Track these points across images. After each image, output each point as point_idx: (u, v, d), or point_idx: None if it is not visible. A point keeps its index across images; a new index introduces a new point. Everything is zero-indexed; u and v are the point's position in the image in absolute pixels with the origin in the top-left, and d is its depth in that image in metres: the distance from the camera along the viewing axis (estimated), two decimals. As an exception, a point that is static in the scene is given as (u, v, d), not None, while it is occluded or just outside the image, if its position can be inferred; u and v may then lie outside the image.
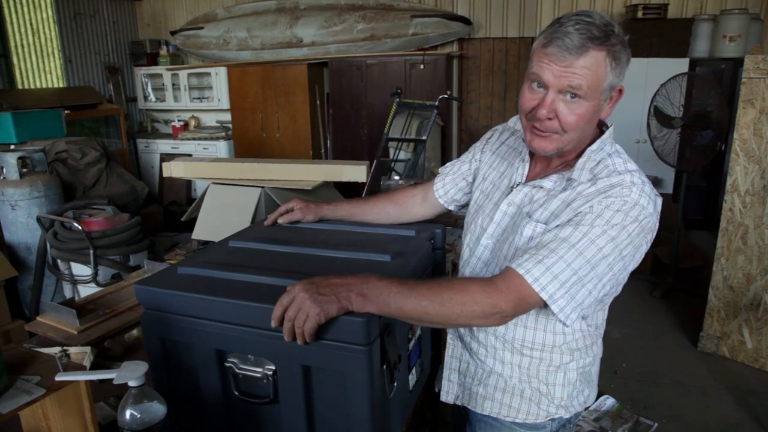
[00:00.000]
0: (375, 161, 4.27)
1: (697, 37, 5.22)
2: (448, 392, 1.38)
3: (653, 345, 3.52)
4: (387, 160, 4.72)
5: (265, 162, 3.02)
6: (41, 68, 5.98)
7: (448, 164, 1.51)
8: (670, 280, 4.22)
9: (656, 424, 2.72)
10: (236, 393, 1.11)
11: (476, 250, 1.28)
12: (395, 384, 1.11)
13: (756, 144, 3.03)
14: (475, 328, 1.27)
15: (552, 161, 1.19)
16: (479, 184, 1.37)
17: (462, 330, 1.32)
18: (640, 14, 5.20)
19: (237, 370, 1.09)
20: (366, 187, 4.42)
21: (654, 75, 4.82)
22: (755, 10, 5.31)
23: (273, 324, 0.98)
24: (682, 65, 4.98)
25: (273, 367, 1.06)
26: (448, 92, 5.11)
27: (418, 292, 1.00)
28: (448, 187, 1.48)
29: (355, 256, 1.24)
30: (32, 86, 5.88)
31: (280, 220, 1.48)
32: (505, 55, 6.30)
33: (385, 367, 1.05)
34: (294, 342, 0.98)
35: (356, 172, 2.86)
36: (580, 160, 1.13)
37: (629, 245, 1.05)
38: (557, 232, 1.05)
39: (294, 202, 1.50)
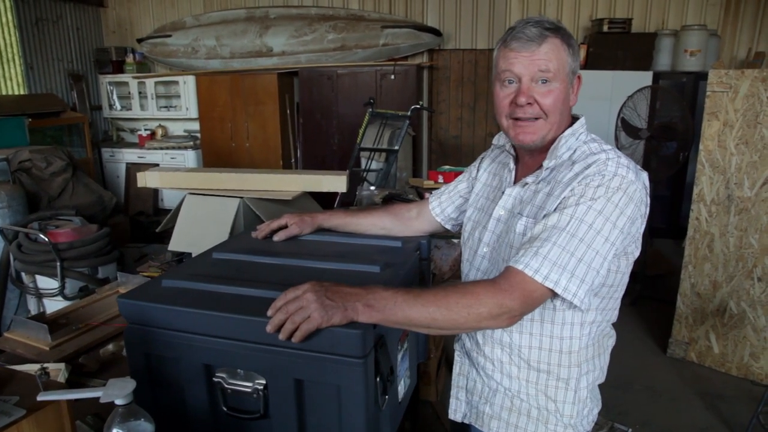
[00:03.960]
0: (347, 171, 4.26)
1: (659, 51, 5.39)
2: (456, 410, 1.37)
3: (624, 352, 3.58)
4: (359, 170, 4.72)
5: (244, 172, 2.98)
6: (0, 75, 5.79)
7: (445, 185, 1.53)
8: (639, 288, 4.32)
9: (630, 430, 2.76)
10: (225, 409, 1.08)
11: (475, 261, 1.29)
12: (387, 396, 1.10)
13: (720, 155, 3.13)
14: (480, 342, 1.26)
15: (534, 161, 1.23)
16: (473, 201, 1.38)
17: (468, 345, 1.31)
18: (605, 28, 5.34)
19: (226, 385, 1.07)
20: (338, 197, 4.40)
21: (619, 87, 4.95)
22: (713, 26, 5.52)
23: (269, 312, 0.97)
24: (646, 78, 5.12)
25: (263, 382, 1.04)
26: (420, 102, 5.14)
27: (425, 299, 1.00)
28: (444, 204, 1.48)
29: (344, 268, 1.22)
30: (-9, 93, 5.69)
31: (276, 238, 1.45)
32: (474, 66, 6.38)
33: (378, 379, 1.04)
34: (285, 352, 0.97)
35: (336, 183, 2.84)
36: (553, 145, 1.18)
37: (621, 215, 1.06)
38: (545, 222, 1.08)
39: (287, 218, 1.47)
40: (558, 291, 1.02)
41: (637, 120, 4.11)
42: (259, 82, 6.12)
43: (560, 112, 1.15)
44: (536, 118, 1.15)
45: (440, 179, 3.68)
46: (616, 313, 1.25)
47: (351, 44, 6.09)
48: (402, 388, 1.29)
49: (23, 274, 3.26)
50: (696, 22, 5.48)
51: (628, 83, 4.71)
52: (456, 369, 1.37)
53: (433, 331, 1.06)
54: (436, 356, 2.86)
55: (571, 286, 1.03)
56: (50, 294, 3.14)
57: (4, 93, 5.79)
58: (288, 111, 6.33)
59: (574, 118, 1.23)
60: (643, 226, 1.14)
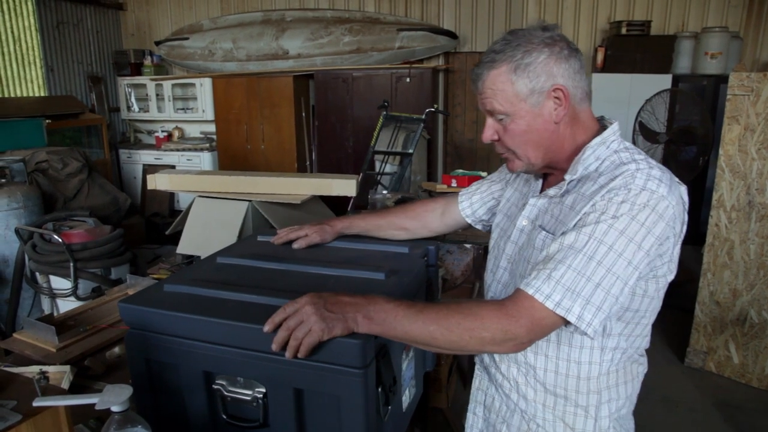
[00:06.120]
0: (361, 174, 4.25)
1: (679, 53, 5.29)
2: (473, 426, 1.31)
3: (640, 360, 3.51)
4: (373, 173, 4.70)
5: (253, 175, 2.97)
6: (22, 77, 5.87)
7: (475, 183, 1.45)
8: (656, 295, 4.23)
9: (645, 441, 2.70)
10: (224, 416, 1.07)
11: (497, 273, 1.23)
12: (390, 407, 1.07)
13: (741, 160, 3.06)
14: (497, 359, 1.20)
15: (560, 171, 1.15)
16: (503, 207, 1.31)
17: (487, 360, 1.25)
18: (623, 30, 5.26)
19: (225, 393, 1.05)
20: (351, 201, 4.39)
21: (637, 90, 4.88)
22: (735, 28, 5.40)
23: (266, 328, 0.95)
24: (665, 81, 5.04)
25: (263, 390, 1.02)
26: (435, 106, 5.12)
27: (426, 316, 0.95)
28: (476, 206, 1.41)
29: (349, 274, 1.20)
30: (12, 95, 5.77)
31: (296, 245, 1.39)
32: (490, 69, 6.33)
33: (380, 389, 1.01)
34: (285, 361, 0.95)
35: (346, 186, 2.82)
36: (577, 156, 1.08)
37: (648, 235, 0.94)
38: (562, 240, 0.98)
39: (306, 229, 1.42)
40: (571, 319, 0.93)
41: (656, 124, 4.04)
42: (274, 85, 6.14)
43: (534, 143, 1.07)
44: (508, 152, 1.12)
45: (453, 183, 3.65)
46: (648, 340, 1.14)
47: (366, 47, 6.08)
48: (407, 397, 1.26)
49: (37, 274, 3.28)
50: (717, 24, 5.37)
51: (647, 86, 4.63)
52: (475, 383, 1.32)
53: (433, 349, 1.02)
54: (447, 363, 2.82)
55: (586, 315, 0.93)
56: (63, 294, 3.16)
57: (24, 95, 5.88)
58: (303, 113, 6.34)
59: (603, 125, 1.11)
60: (678, 246, 1.02)
